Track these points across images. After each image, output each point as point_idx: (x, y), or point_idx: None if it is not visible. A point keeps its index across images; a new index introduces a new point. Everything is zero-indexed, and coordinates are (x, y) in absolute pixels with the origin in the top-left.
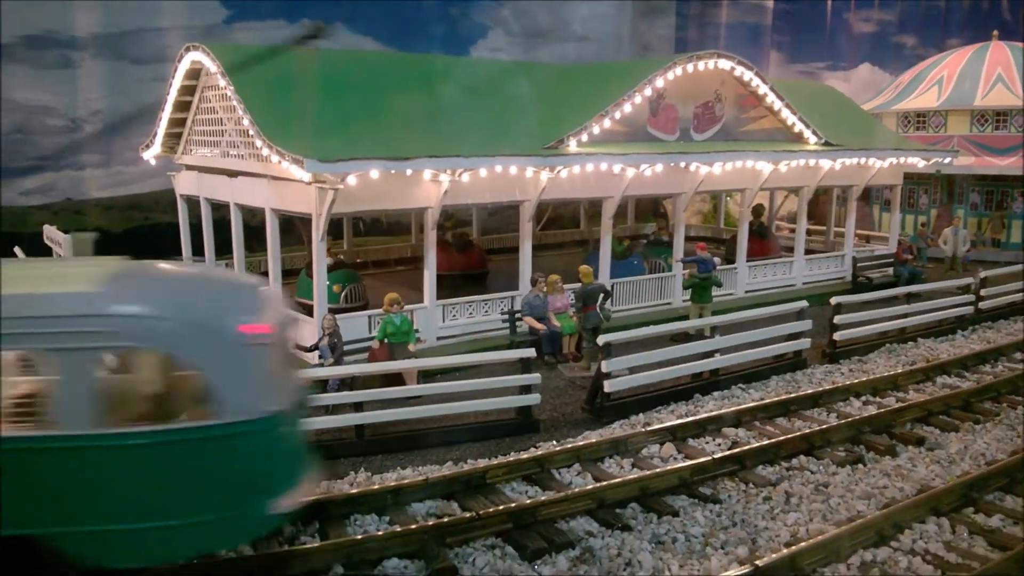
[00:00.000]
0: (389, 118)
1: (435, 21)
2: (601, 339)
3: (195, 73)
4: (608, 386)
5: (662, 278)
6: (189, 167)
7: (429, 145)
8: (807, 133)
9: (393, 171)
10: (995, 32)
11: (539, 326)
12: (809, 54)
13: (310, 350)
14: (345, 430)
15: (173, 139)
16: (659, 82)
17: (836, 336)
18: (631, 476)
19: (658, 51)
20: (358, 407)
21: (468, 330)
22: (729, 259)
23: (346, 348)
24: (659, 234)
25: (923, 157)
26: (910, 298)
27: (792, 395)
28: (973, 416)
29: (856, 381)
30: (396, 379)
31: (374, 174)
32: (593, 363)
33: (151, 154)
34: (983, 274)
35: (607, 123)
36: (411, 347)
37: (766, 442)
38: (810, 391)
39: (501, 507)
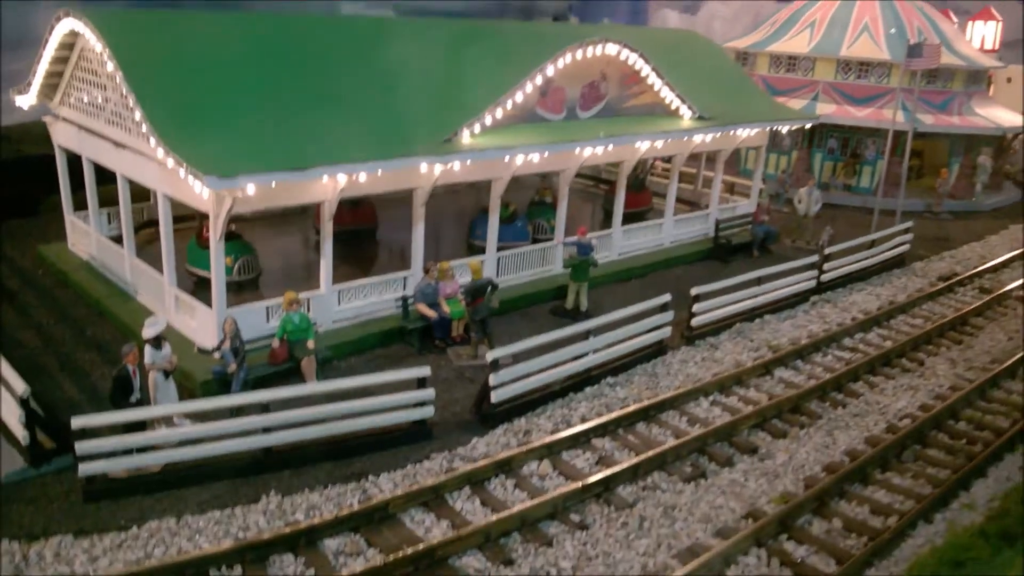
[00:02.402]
0: (282, 107)
1: None
2: (489, 355)
3: (74, 32)
4: (494, 396)
5: (544, 248)
6: (67, 119)
7: (325, 142)
8: (683, 109)
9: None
10: None
11: (431, 313)
12: None
13: (212, 352)
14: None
15: (50, 87)
16: (549, 70)
17: (693, 322)
18: (514, 509)
19: None
20: (267, 429)
21: (362, 312)
22: (607, 209)
23: (247, 347)
24: (543, 194)
25: (789, 125)
26: (761, 281)
27: (651, 401)
28: (799, 420)
29: (706, 381)
30: (298, 372)
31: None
32: (481, 347)
33: (26, 102)
34: (826, 251)
35: (499, 113)
36: (310, 343)
37: (626, 464)
38: (666, 395)
39: (409, 551)
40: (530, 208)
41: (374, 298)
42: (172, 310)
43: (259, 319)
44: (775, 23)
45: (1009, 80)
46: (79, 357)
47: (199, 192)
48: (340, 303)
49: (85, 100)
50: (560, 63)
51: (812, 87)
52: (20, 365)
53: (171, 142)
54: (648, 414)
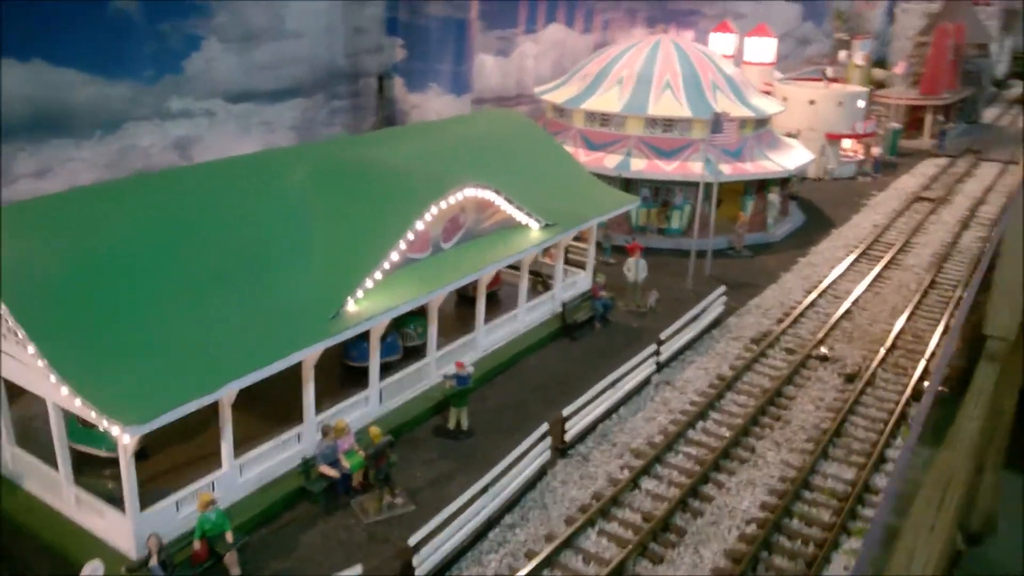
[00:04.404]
0: (169, 297)
1: (144, 40)
2: (412, 539)
3: None
4: (417, 572)
5: (420, 368)
6: None
7: (221, 341)
8: (532, 222)
9: None
10: (662, 27)
11: (334, 473)
12: (506, 21)
13: (139, 568)
14: None
15: None
16: (419, 225)
17: (566, 437)
18: None
19: (371, 33)
20: None
21: (264, 476)
22: (461, 294)
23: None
24: None
25: (618, 211)
26: (615, 383)
27: (550, 547)
28: (670, 539)
29: (591, 508)
30: (220, 565)
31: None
32: (387, 498)
33: None
34: (662, 335)
35: (377, 275)
36: (228, 536)
37: None
38: (561, 535)
39: None
40: (396, 319)
41: (273, 459)
42: (72, 505)
43: (171, 513)
44: (586, 77)
45: (785, 99)
46: None
47: (115, 436)
48: (242, 475)
49: None
50: (427, 216)
51: (625, 142)
52: None
53: (70, 375)
54: (551, 559)
